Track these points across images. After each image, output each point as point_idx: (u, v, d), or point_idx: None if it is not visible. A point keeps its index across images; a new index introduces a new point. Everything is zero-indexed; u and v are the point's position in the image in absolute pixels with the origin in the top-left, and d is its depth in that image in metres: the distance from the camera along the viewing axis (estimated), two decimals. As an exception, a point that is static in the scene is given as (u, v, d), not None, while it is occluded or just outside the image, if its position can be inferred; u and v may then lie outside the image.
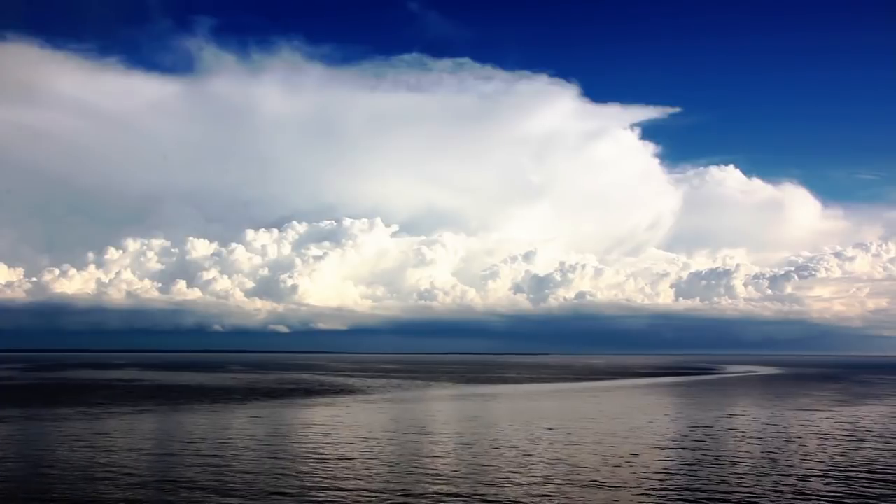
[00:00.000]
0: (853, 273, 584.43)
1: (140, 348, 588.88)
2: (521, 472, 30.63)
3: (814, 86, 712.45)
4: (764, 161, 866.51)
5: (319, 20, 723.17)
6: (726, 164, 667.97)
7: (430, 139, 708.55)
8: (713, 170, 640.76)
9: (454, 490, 27.16)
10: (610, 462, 33.36)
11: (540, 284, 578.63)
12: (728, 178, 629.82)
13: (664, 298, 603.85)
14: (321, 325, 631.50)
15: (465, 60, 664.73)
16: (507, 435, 42.83)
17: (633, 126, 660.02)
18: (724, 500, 25.71)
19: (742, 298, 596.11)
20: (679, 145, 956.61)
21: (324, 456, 34.73)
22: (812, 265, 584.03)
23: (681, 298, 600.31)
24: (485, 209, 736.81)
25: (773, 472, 30.80)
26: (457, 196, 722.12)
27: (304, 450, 36.63)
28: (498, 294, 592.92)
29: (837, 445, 39.04)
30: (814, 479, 29.46)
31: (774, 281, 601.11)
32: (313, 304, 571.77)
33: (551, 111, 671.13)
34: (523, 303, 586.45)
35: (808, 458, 34.70)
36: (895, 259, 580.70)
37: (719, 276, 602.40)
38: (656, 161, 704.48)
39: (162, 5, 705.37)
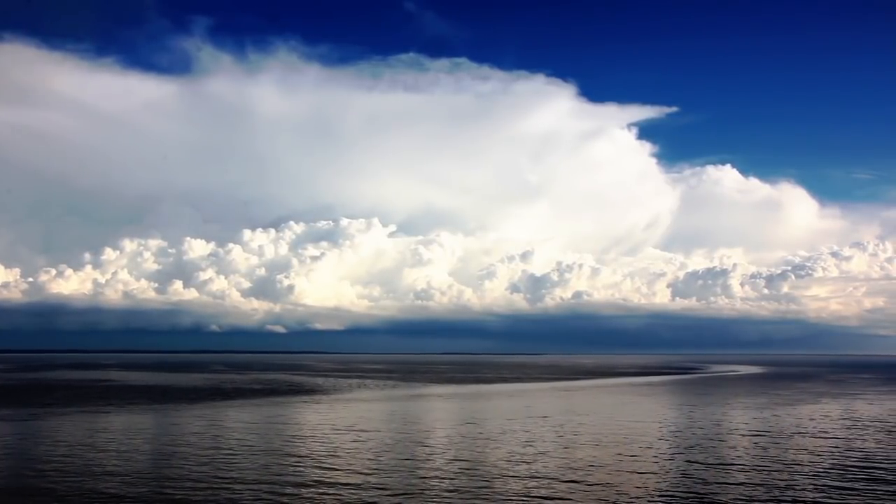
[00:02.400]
0: (850, 272, 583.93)
1: (137, 349, 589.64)
2: (415, 469, 31.23)
3: (811, 85, 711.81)
4: (761, 161, 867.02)
5: (316, 20, 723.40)
6: (723, 163, 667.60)
7: (428, 139, 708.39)
8: (710, 169, 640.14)
9: (333, 480, 27.78)
10: (517, 458, 33.91)
11: (537, 284, 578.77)
12: (725, 178, 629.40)
13: (661, 298, 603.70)
14: (318, 325, 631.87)
15: (462, 60, 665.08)
16: (432, 434, 43.50)
17: (630, 126, 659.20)
18: (591, 496, 26.29)
19: (739, 298, 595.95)
20: (676, 145, 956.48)
21: (234, 454, 35.31)
22: (809, 264, 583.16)
23: (678, 298, 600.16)
24: (482, 209, 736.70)
25: (658, 470, 31.38)
26: (454, 196, 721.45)
27: (221, 447, 37.24)
28: (494, 294, 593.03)
29: (749, 442, 39.58)
30: (688, 473, 30.02)
31: (771, 280, 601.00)
32: (310, 304, 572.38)
33: (548, 111, 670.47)
34: (520, 302, 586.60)
35: (707, 453, 35.25)
36: (892, 258, 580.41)
37: (716, 276, 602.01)
38: (653, 161, 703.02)
39: (158, 5, 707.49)
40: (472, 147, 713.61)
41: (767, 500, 25.71)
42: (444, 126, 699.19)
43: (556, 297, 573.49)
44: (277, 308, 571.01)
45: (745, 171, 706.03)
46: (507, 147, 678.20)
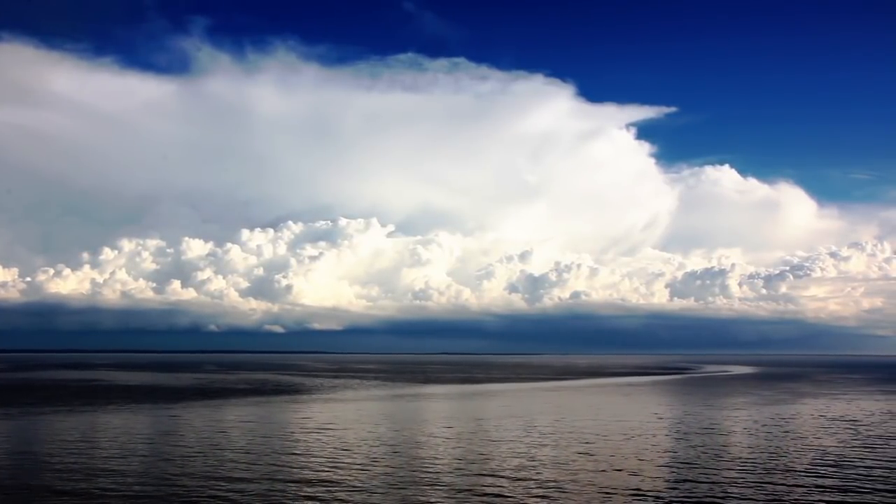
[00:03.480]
0: (848, 273, 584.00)
1: (135, 348, 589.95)
2: (368, 466, 31.46)
3: (809, 86, 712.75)
4: (759, 161, 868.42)
5: (315, 20, 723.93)
6: (722, 163, 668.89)
7: (427, 139, 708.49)
8: (709, 169, 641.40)
9: (282, 477, 28.00)
10: (473, 457, 34.12)
11: (535, 284, 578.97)
12: (724, 178, 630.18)
13: (659, 298, 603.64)
14: (316, 325, 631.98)
15: (461, 60, 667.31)
16: (396, 434, 43.81)
17: (628, 126, 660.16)
18: (532, 493, 26.49)
19: (737, 298, 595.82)
20: (675, 145, 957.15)
21: (192, 451, 35.53)
22: (807, 265, 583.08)
23: (676, 298, 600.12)
24: (481, 209, 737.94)
25: (607, 467, 31.61)
26: (453, 196, 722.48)
27: (180, 445, 37.49)
28: (493, 294, 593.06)
29: (711, 442, 39.78)
30: (639, 473, 30.24)
31: (769, 280, 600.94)
32: (308, 303, 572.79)
33: (547, 111, 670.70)
34: (518, 303, 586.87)
35: (663, 452, 35.49)
36: (890, 259, 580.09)
37: (714, 276, 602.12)
38: (652, 161, 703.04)
39: (157, 5, 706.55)
40: (470, 147, 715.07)
41: (704, 497, 25.90)
42: (442, 126, 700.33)
43: (555, 298, 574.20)
44: (276, 308, 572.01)
45: (743, 172, 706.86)
46: (505, 147, 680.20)
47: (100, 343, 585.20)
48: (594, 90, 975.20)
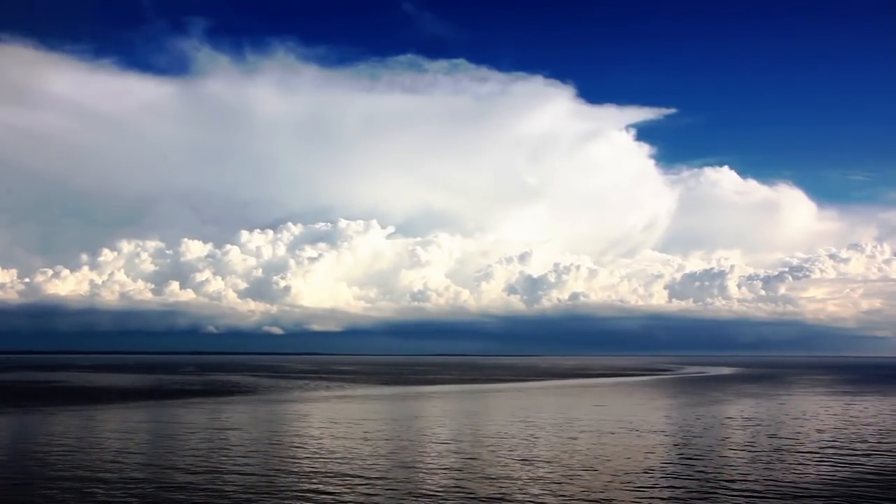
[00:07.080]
0: (847, 274, 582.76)
1: (133, 350, 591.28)
2: (242, 465, 31.91)
3: (808, 87, 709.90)
4: (759, 162, 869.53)
5: (314, 21, 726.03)
6: (721, 165, 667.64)
7: (426, 140, 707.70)
8: (708, 171, 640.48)
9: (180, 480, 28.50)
10: (352, 456, 34.54)
11: (534, 286, 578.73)
12: (723, 179, 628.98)
13: (658, 299, 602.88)
14: (315, 327, 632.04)
15: (461, 61, 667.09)
16: (299, 434, 44.18)
17: (628, 127, 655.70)
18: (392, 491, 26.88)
19: (735, 299, 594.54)
20: (674, 146, 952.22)
21: (84, 454, 36.01)
22: (807, 266, 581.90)
23: (674, 299, 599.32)
24: (480, 210, 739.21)
25: (461, 466, 31.96)
26: (453, 197, 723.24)
27: (65, 448, 37.99)
28: (491, 295, 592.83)
29: (600, 441, 40.23)
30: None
31: (768, 282, 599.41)
32: (307, 305, 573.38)
33: (547, 112, 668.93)
34: (517, 304, 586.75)
35: (544, 452, 35.90)
36: (890, 260, 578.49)
37: (713, 277, 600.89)
38: (652, 162, 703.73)
39: (156, 7, 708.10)
40: (470, 148, 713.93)
41: (543, 493, 26.28)
42: (442, 127, 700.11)
43: (554, 299, 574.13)
44: (274, 309, 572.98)
45: (742, 173, 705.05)
46: (505, 148, 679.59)
47: (98, 344, 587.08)
48: (594, 91, 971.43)
